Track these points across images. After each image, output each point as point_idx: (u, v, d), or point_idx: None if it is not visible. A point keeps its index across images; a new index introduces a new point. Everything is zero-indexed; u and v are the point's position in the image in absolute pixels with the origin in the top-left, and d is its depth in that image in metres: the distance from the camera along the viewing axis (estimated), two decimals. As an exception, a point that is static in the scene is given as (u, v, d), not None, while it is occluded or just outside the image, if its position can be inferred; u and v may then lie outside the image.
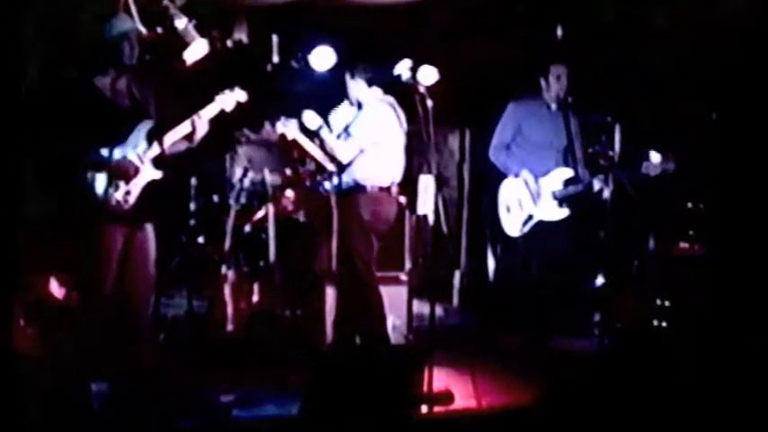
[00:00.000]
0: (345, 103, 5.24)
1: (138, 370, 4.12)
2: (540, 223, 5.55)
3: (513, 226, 5.64)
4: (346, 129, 5.11)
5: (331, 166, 5.13)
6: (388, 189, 5.14)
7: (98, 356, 4.09)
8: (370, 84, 5.14)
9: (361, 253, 5.04)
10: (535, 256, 5.55)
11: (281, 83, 5.75)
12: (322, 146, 5.13)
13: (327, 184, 5.21)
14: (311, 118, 5.05)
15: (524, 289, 5.58)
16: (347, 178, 5.08)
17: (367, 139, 5.02)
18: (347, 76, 5.15)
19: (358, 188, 5.06)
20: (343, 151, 5.04)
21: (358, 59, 5.22)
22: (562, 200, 5.52)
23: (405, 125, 5.18)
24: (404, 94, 4.44)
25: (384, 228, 5.17)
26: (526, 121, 5.68)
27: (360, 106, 5.15)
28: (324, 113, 5.20)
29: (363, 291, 5.08)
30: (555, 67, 5.64)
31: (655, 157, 5.28)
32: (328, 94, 5.41)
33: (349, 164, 5.05)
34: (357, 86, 5.15)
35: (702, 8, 5.59)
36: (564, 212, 5.53)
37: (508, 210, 5.68)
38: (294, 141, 5.12)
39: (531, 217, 5.57)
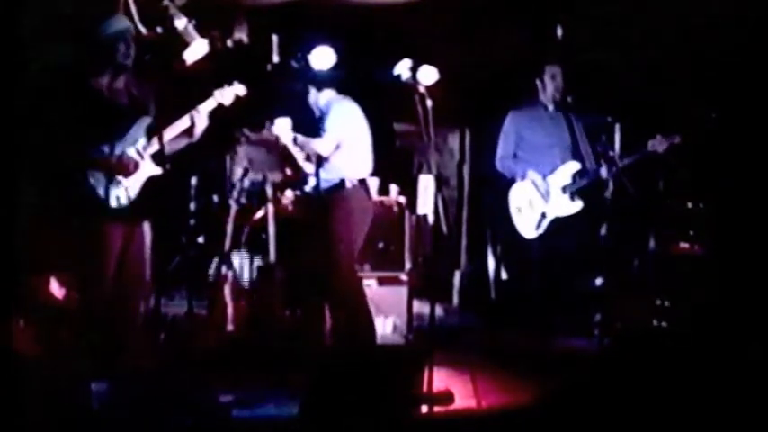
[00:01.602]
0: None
1: (137, 370, 4.12)
2: (556, 220, 5.55)
3: (527, 228, 5.63)
4: (319, 130, 5.10)
5: (310, 168, 5.12)
6: (364, 181, 5.14)
7: (98, 356, 4.09)
8: (320, 88, 5.16)
9: (346, 250, 5.01)
10: (556, 254, 5.54)
11: (282, 83, 5.75)
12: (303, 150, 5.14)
13: (307, 187, 5.20)
14: (283, 126, 5.05)
15: (538, 289, 5.57)
16: (326, 176, 5.07)
17: (341, 133, 5.04)
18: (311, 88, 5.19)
19: (338, 185, 5.05)
20: (320, 146, 5.04)
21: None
22: (573, 193, 5.53)
23: (368, 119, 5.20)
24: (404, 94, 4.43)
25: (368, 220, 5.15)
26: (526, 127, 5.70)
27: (321, 111, 5.16)
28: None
29: (347, 289, 5.05)
30: (549, 67, 5.66)
31: (659, 135, 5.29)
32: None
33: (327, 160, 5.04)
34: (313, 93, 5.17)
35: (702, 8, 5.60)
36: (578, 205, 5.54)
37: (519, 212, 5.68)
38: (282, 144, 5.11)
39: (544, 215, 5.57)
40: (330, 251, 4.97)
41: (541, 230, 5.58)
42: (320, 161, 5.07)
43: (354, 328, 4.99)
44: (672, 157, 5.39)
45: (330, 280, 5.01)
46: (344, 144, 5.05)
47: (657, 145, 5.29)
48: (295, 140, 5.05)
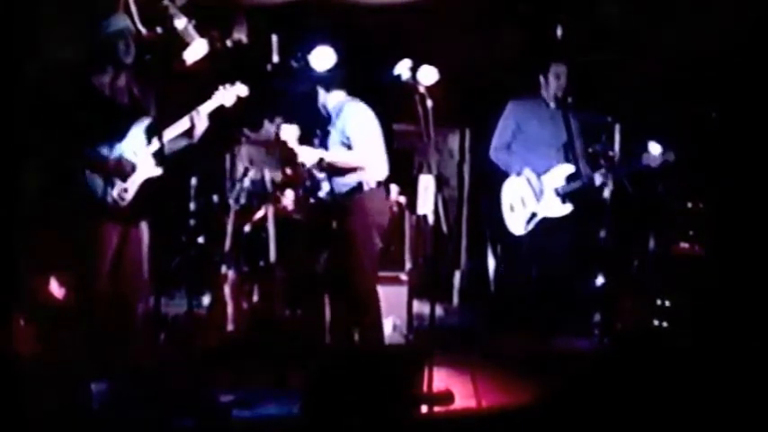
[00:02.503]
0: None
1: (137, 369, 4.12)
2: (545, 220, 5.57)
3: (517, 224, 5.66)
4: (325, 136, 5.03)
5: (321, 175, 5.04)
6: (380, 184, 5.07)
7: (97, 356, 4.09)
8: (328, 89, 5.08)
9: (368, 254, 4.95)
10: (540, 254, 5.56)
11: (281, 83, 5.75)
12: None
13: (321, 193, 5.11)
14: (290, 133, 4.99)
15: (527, 288, 5.58)
16: (343, 180, 4.96)
17: (366, 139, 4.96)
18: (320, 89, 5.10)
19: (356, 188, 4.95)
20: (355, 159, 4.90)
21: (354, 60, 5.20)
22: (565, 196, 5.55)
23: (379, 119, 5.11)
24: (404, 94, 4.43)
25: (386, 223, 5.07)
26: (525, 119, 5.71)
27: (330, 113, 5.05)
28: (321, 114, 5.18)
29: (364, 293, 5.00)
30: (555, 66, 5.67)
31: (655, 149, 5.32)
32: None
33: (353, 169, 4.92)
34: (322, 94, 5.10)
35: (702, 8, 5.60)
36: (567, 208, 5.55)
37: (511, 208, 5.70)
38: (289, 148, 5.03)
39: (534, 215, 5.59)
40: (351, 255, 4.89)
41: (530, 228, 5.60)
42: (335, 167, 4.98)
43: (367, 330, 4.95)
44: (668, 171, 5.42)
45: (351, 283, 4.93)
46: (367, 148, 4.95)
47: (652, 160, 5.33)
48: (321, 164, 4.95)
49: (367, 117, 5.03)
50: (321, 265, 5.21)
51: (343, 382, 3.70)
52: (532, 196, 5.59)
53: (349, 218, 4.92)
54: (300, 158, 4.95)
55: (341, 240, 4.95)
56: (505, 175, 5.75)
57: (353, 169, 4.92)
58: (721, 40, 5.70)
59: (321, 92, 5.08)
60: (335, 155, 4.93)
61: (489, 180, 6.03)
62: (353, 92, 5.11)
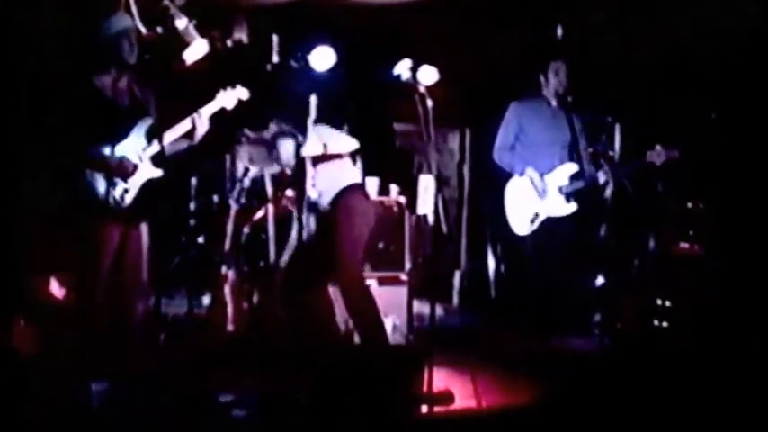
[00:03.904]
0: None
1: (137, 370, 4.13)
2: (548, 220, 5.58)
3: (520, 224, 5.67)
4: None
5: (314, 193, 5.00)
6: (361, 185, 5.07)
7: (97, 356, 4.10)
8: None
9: (349, 256, 4.93)
10: (543, 253, 5.57)
11: (281, 83, 5.75)
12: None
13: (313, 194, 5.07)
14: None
15: (531, 287, 5.59)
16: (322, 188, 4.94)
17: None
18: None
19: (340, 192, 4.90)
20: (345, 144, 4.95)
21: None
22: (569, 195, 5.55)
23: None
24: (404, 94, 4.44)
25: (371, 223, 5.03)
26: (527, 120, 5.71)
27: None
28: (322, 113, 5.17)
29: (355, 294, 4.98)
30: (554, 63, 5.68)
31: (658, 146, 5.33)
32: (328, 94, 5.40)
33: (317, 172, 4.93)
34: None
35: (704, 7, 5.61)
36: (572, 207, 5.56)
37: (515, 208, 5.71)
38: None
39: (537, 214, 5.59)
40: (333, 257, 4.88)
41: (534, 228, 5.60)
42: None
43: (367, 331, 4.93)
44: (670, 169, 5.43)
45: (338, 282, 4.92)
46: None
47: (656, 157, 5.33)
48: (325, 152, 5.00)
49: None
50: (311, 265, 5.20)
51: (344, 382, 3.70)
52: (536, 196, 5.60)
53: (329, 222, 4.89)
54: (304, 152, 4.96)
55: (323, 243, 4.93)
56: (509, 176, 5.76)
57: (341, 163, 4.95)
58: (721, 40, 5.71)
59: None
60: (334, 142, 4.95)
61: (491, 180, 6.04)
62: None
